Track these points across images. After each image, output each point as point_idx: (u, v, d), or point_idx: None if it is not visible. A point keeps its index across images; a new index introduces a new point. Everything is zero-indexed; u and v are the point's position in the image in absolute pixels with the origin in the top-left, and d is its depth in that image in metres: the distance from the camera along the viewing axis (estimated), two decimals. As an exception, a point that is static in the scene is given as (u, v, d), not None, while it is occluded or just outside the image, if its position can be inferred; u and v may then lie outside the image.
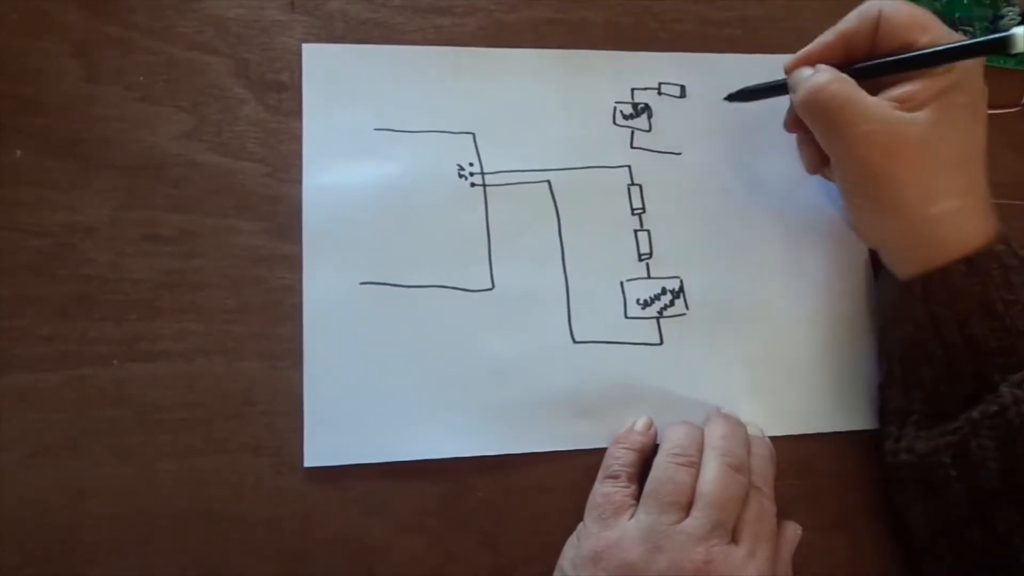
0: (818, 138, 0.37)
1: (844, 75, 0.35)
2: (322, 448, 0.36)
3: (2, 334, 0.35)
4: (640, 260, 0.41)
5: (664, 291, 0.40)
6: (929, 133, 0.34)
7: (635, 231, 0.41)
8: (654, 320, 0.40)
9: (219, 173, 0.38)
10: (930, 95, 0.34)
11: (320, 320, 0.37)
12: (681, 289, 0.40)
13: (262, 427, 0.36)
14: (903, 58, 0.35)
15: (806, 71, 0.36)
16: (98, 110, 0.38)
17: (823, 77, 0.35)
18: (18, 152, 0.37)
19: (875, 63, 0.36)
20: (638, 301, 0.40)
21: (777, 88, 0.39)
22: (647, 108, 0.43)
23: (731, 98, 0.42)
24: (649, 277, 0.40)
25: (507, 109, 0.41)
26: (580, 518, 0.36)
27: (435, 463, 0.36)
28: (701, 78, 0.43)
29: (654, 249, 0.41)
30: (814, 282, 0.42)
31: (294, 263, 0.38)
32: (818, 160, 0.39)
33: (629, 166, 0.42)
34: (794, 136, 0.41)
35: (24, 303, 0.36)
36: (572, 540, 0.35)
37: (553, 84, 0.42)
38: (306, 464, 0.36)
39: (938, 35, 0.35)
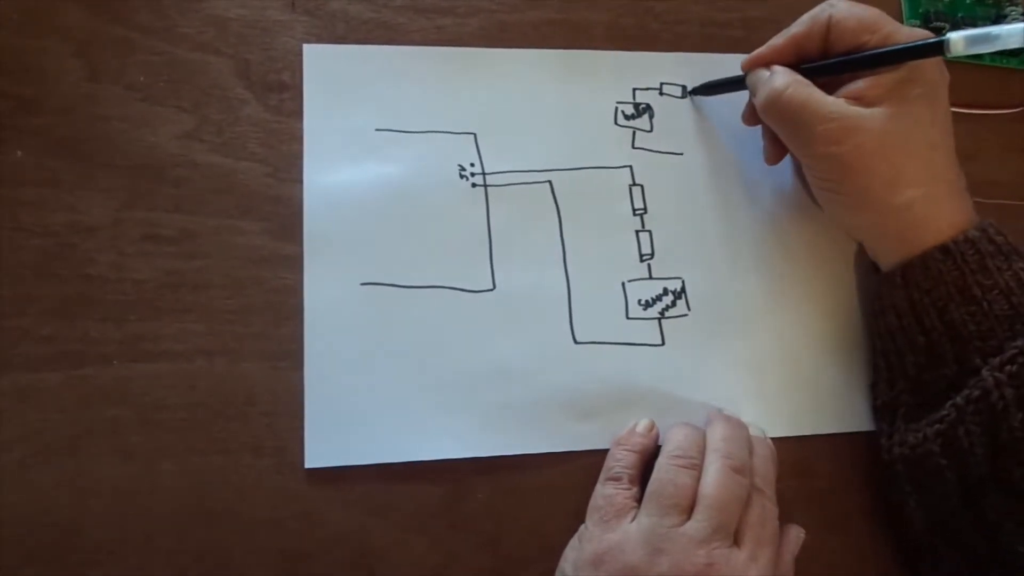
0: (782, 138, 0.38)
1: (799, 77, 0.37)
2: (323, 449, 0.36)
3: (3, 334, 0.35)
4: (642, 261, 0.41)
5: (666, 292, 0.40)
6: (886, 125, 0.35)
7: (636, 231, 0.41)
8: (656, 321, 0.40)
9: (220, 173, 0.38)
10: (884, 90, 0.35)
11: (321, 320, 0.37)
12: (683, 290, 0.40)
13: (263, 428, 0.36)
14: (847, 60, 0.37)
15: (763, 72, 0.38)
16: (100, 110, 0.38)
17: (780, 81, 0.37)
18: (19, 152, 0.37)
19: (822, 64, 0.38)
20: (640, 302, 0.40)
21: (737, 83, 0.40)
22: (649, 108, 0.43)
23: (694, 91, 0.43)
24: (651, 278, 0.40)
25: (508, 109, 0.41)
26: (581, 520, 0.36)
27: (436, 464, 0.36)
28: (703, 78, 0.43)
29: (655, 250, 0.41)
30: (816, 284, 0.41)
31: (295, 263, 0.38)
32: (778, 151, 0.41)
33: (631, 166, 0.42)
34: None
35: (25, 303, 0.36)
36: (573, 542, 0.35)
37: (555, 84, 0.42)
38: (307, 465, 0.36)
39: (887, 34, 0.36)
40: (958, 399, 0.34)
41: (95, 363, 0.36)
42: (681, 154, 0.42)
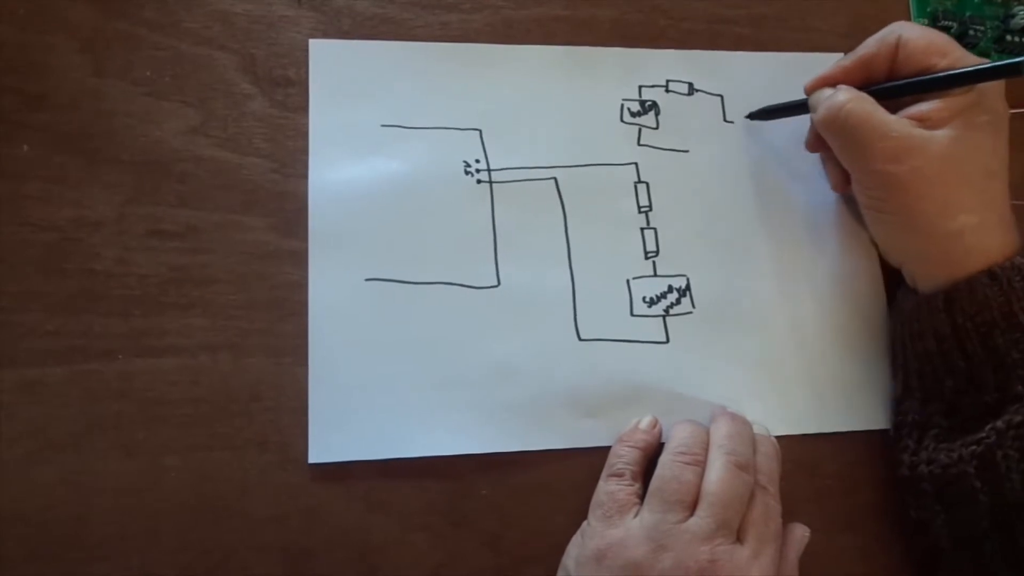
0: (838, 154, 0.38)
1: (863, 94, 0.36)
2: (327, 445, 0.36)
3: (8, 329, 0.35)
4: (647, 258, 0.40)
5: (671, 289, 0.40)
6: (948, 150, 0.35)
7: (642, 229, 0.41)
8: (660, 318, 0.40)
9: (225, 169, 0.38)
10: (950, 114, 0.35)
11: (325, 316, 0.37)
12: (688, 287, 0.40)
13: (267, 423, 0.36)
14: (920, 80, 0.36)
15: (826, 91, 0.38)
16: (105, 105, 0.38)
17: (842, 96, 0.36)
18: (25, 147, 0.37)
19: (893, 84, 0.37)
20: (644, 299, 0.40)
21: (797, 107, 0.40)
22: (655, 105, 0.43)
23: (752, 116, 0.42)
24: (655, 275, 0.40)
25: (514, 106, 0.41)
26: (584, 517, 0.36)
27: (439, 460, 0.36)
28: (709, 76, 0.43)
29: (661, 247, 0.41)
30: (822, 281, 0.41)
31: (300, 259, 0.38)
32: (842, 178, 0.40)
33: (636, 163, 0.42)
34: (802, 134, 0.41)
35: (30, 298, 0.36)
36: (576, 539, 0.35)
37: (560, 81, 0.42)
38: (311, 460, 0.36)
39: (957, 58, 0.36)
40: (998, 423, 0.34)
41: (99, 358, 0.36)
42: (687, 151, 0.42)
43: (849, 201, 0.41)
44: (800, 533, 0.36)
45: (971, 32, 0.45)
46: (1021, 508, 0.33)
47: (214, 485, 0.35)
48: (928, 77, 0.36)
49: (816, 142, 0.40)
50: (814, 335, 0.41)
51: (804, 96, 0.40)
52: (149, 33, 0.39)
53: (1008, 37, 0.46)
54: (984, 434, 0.34)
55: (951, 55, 0.36)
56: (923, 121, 0.35)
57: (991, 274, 0.35)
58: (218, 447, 0.35)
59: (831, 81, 0.38)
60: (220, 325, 0.37)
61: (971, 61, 0.35)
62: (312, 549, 0.35)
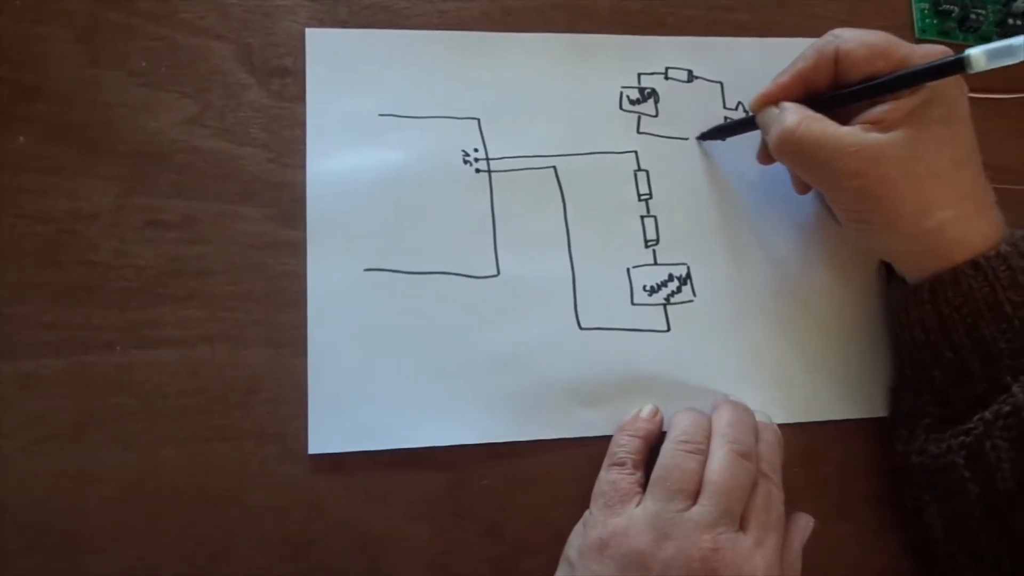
0: (801, 176, 0.38)
1: (810, 112, 0.35)
2: (326, 435, 0.36)
3: (6, 321, 0.35)
4: (647, 246, 0.40)
5: (671, 278, 0.40)
6: (909, 150, 0.34)
7: (642, 217, 0.40)
8: (661, 307, 0.39)
9: (222, 159, 0.38)
10: (903, 114, 0.34)
11: (324, 307, 0.37)
12: (688, 276, 0.40)
13: (266, 414, 0.36)
14: (864, 88, 0.35)
15: (772, 110, 0.37)
16: (101, 96, 0.38)
17: (792, 119, 0.35)
18: (21, 138, 0.37)
19: (838, 94, 0.36)
20: (645, 288, 0.39)
21: (748, 123, 0.39)
22: (654, 93, 0.42)
23: (703, 137, 0.42)
24: (656, 263, 0.40)
25: (512, 94, 0.41)
26: (585, 507, 0.35)
27: (439, 451, 0.36)
28: (708, 63, 0.43)
29: (661, 235, 0.40)
30: (821, 269, 0.41)
31: (298, 249, 0.38)
32: (805, 184, 0.40)
33: (636, 151, 0.41)
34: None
35: (28, 290, 0.36)
36: (578, 528, 0.35)
37: (559, 69, 0.42)
38: (310, 451, 0.35)
39: (901, 58, 0.34)
40: (986, 414, 0.34)
41: (97, 350, 0.36)
42: (687, 139, 0.42)
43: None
44: (804, 522, 0.36)
45: (972, 16, 0.45)
46: (1013, 498, 0.33)
47: (213, 476, 0.35)
48: (872, 84, 0.35)
49: (767, 155, 0.39)
50: (814, 323, 0.40)
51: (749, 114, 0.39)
52: (145, 23, 0.39)
53: (1010, 20, 0.46)
54: (973, 424, 0.34)
55: (894, 55, 0.34)
56: (877, 124, 0.34)
57: (975, 264, 0.34)
58: (217, 438, 0.35)
59: (773, 98, 0.37)
60: (218, 316, 0.37)
61: (917, 58, 0.34)
62: (312, 540, 0.35)
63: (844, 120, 0.35)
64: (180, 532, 0.34)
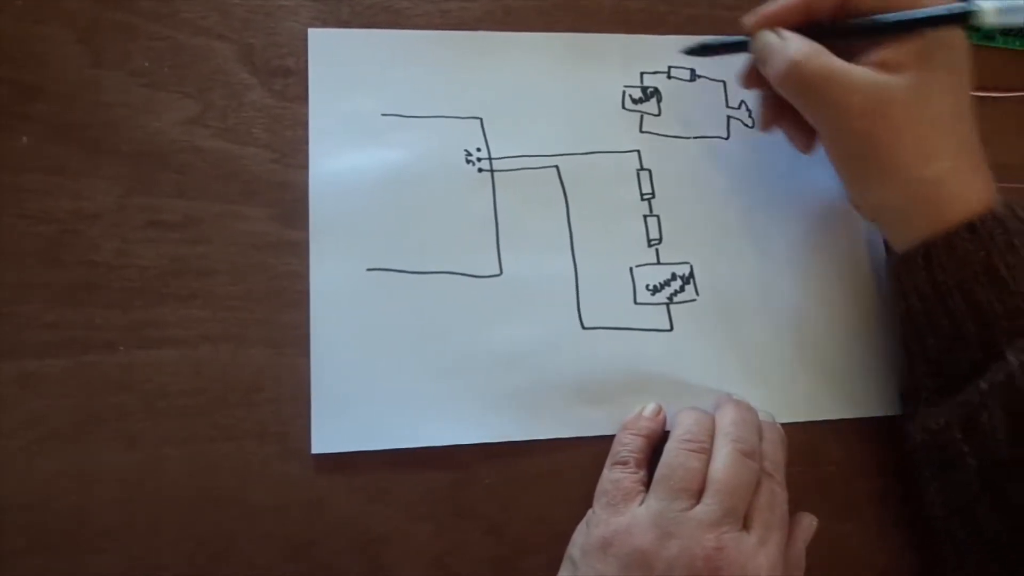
0: (802, 111, 0.36)
1: (816, 45, 0.35)
2: (329, 435, 0.36)
3: (8, 320, 0.35)
4: (650, 245, 0.40)
5: (674, 277, 0.40)
6: (916, 94, 0.33)
7: (644, 216, 0.40)
8: (664, 306, 0.39)
9: (225, 159, 0.38)
10: (909, 56, 0.34)
11: (327, 306, 0.37)
12: (691, 275, 0.40)
13: (269, 414, 0.36)
14: (871, 24, 0.34)
15: (772, 37, 0.36)
16: (103, 96, 0.38)
17: (799, 50, 0.34)
18: (24, 138, 0.37)
19: (838, 27, 0.35)
20: (648, 287, 0.39)
21: (737, 45, 0.38)
22: (656, 92, 0.42)
23: (689, 51, 0.40)
24: (659, 263, 0.40)
25: (515, 94, 0.41)
26: (588, 506, 0.35)
27: (442, 450, 0.36)
28: (711, 62, 0.43)
29: (664, 234, 0.40)
30: (825, 268, 0.41)
31: (300, 249, 0.37)
32: (774, 117, 0.39)
33: (638, 151, 0.41)
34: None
35: (30, 289, 0.36)
36: (581, 527, 0.35)
37: (561, 68, 0.42)
38: (313, 451, 0.35)
39: (909, 2, 0.34)
40: (981, 383, 0.33)
41: (100, 350, 0.35)
42: (689, 138, 0.42)
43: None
44: (808, 522, 0.36)
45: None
46: (1010, 465, 0.33)
47: (215, 476, 0.35)
48: (878, 22, 0.34)
49: (753, 79, 0.38)
50: (818, 322, 0.40)
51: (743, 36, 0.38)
52: (146, 23, 0.39)
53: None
54: (968, 395, 0.34)
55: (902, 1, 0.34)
56: (882, 67, 0.34)
57: (971, 227, 0.33)
58: (219, 438, 0.35)
59: (773, 20, 0.36)
60: (221, 316, 0.37)
61: (926, 3, 0.34)
62: (314, 539, 0.35)
63: (846, 59, 0.34)
64: (182, 532, 0.34)
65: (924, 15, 0.33)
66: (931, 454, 0.35)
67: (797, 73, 0.35)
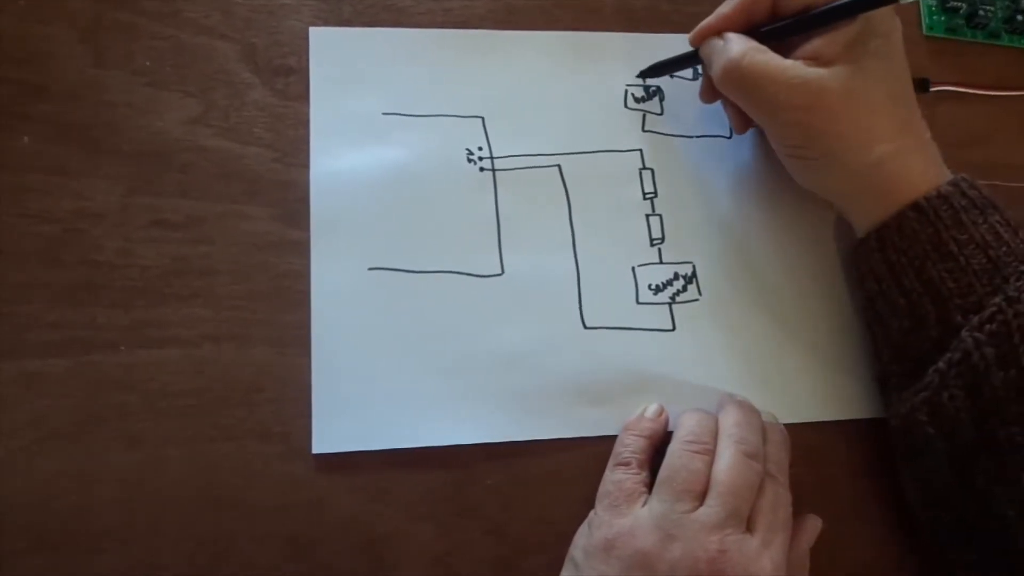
0: (744, 108, 0.37)
1: (755, 44, 0.36)
2: (330, 435, 0.35)
3: (10, 320, 0.35)
4: (652, 245, 0.40)
5: (676, 276, 0.40)
6: (849, 83, 0.34)
7: (647, 216, 0.40)
8: (666, 306, 0.39)
9: (227, 158, 0.38)
10: (840, 47, 0.35)
11: (328, 306, 0.37)
12: (694, 274, 0.40)
13: (270, 414, 0.36)
14: (804, 18, 0.35)
15: (716, 42, 0.37)
16: (106, 96, 0.38)
17: (736, 49, 0.36)
18: (26, 138, 0.37)
19: (779, 26, 0.36)
20: (650, 287, 0.39)
21: (687, 60, 0.39)
22: (659, 91, 0.42)
23: (643, 75, 0.42)
24: (661, 262, 0.40)
25: (517, 93, 0.41)
26: (590, 507, 0.35)
27: (444, 450, 0.36)
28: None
29: (666, 234, 0.40)
30: (827, 268, 0.41)
31: (302, 249, 0.37)
32: (745, 121, 0.40)
33: (640, 150, 0.41)
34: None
35: (32, 289, 0.36)
36: (583, 528, 0.35)
37: (563, 67, 0.42)
38: (314, 451, 0.35)
39: None
40: (940, 364, 0.33)
41: (102, 349, 0.35)
42: (692, 137, 0.42)
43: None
44: (812, 523, 0.36)
45: (981, 12, 0.45)
46: (975, 448, 0.33)
47: (217, 476, 0.35)
48: (811, 14, 0.35)
49: (709, 92, 0.39)
50: (820, 322, 0.40)
51: (691, 48, 0.39)
52: (149, 22, 0.39)
53: (1019, 17, 0.45)
54: (929, 378, 0.34)
55: None
56: (816, 59, 0.35)
57: (916, 207, 0.34)
58: (221, 438, 0.35)
59: (714, 30, 0.37)
60: (222, 316, 0.36)
61: None
62: (316, 539, 0.35)
63: (783, 55, 0.35)
64: (183, 531, 0.34)
65: (853, 0, 0.34)
66: (902, 440, 0.36)
67: (735, 71, 0.36)
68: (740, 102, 0.37)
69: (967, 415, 0.33)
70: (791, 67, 0.35)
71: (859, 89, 0.34)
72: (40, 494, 0.34)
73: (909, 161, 0.35)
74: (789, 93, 0.35)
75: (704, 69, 0.39)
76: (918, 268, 0.34)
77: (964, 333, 0.33)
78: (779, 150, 0.38)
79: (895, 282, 0.35)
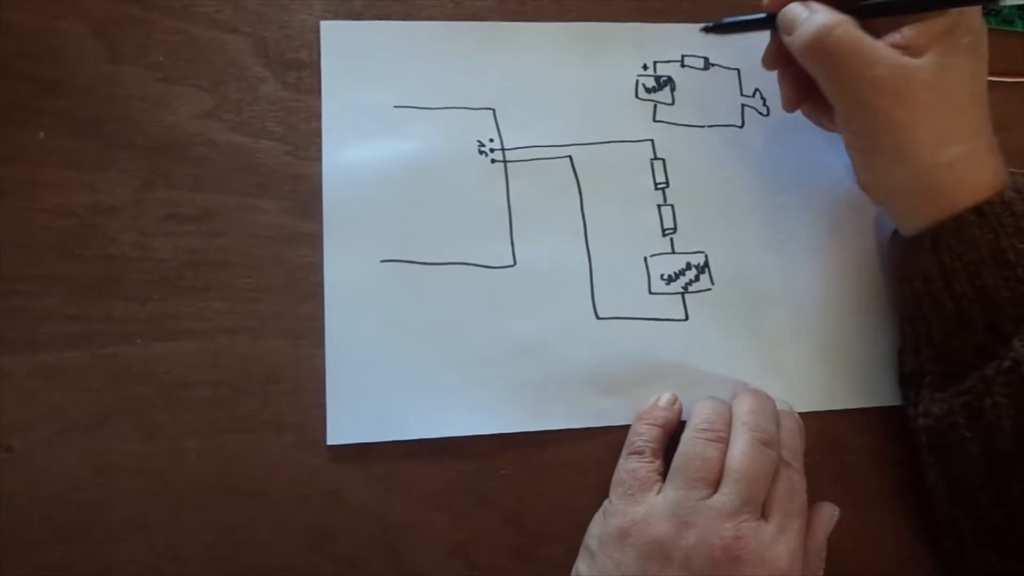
0: (822, 84, 0.35)
1: (847, 17, 0.34)
2: (345, 426, 0.36)
3: (29, 314, 0.36)
4: (664, 235, 0.40)
5: (689, 266, 0.40)
6: (936, 77, 0.33)
7: (659, 206, 0.40)
8: (679, 296, 0.39)
9: (240, 152, 0.38)
10: (932, 38, 0.33)
11: (341, 298, 0.37)
12: (706, 264, 0.40)
13: (285, 405, 0.36)
14: (900, 0, 0.34)
15: (799, 10, 0.35)
16: (120, 91, 0.38)
17: (828, 19, 0.34)
18: (41, 133, 0.37)
19: (871, 4, 0.34)
20: (662, 276, 0.39)
21: (759, 23, 0.37)
22: (670, 81, 0.42)
23: (708, 30, 0.39)
24: (673, 252, 0.40)
25: (527, 84, 0.41)
26: (604, 495, 0.35)
27: (458, 441, 0.36)
28: (725, 50, 0.43)
29: (678, 224, 0.40)
30: (842, 255, 0.41)
31: (315, 241, 0.38)
32: (798, 97, 0.38)
33: (652, 140, 0.41)
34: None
35: (49, 283, 0.36)
36: (598, 517, 0.35)
37: (574, 58, 0.42)
38: (329, 442, 0.35)
39: None
40: (987, 370, 0.33)
41: (119, 342, 0.36)
42: (703, 127, 0.42)
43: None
44: (829, 511, 0.36)
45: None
46: (1013, 456, 0.32)
47: (234, 467, 0.35)
48: None
49: (777, 59, 0.38)
50: (835, 309, 0.40)
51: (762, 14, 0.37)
52: (162, 17, 0.39)
53: (1033, 4, 0.45)
54: (973, 382, 0.33)
55: None
56: (905, 48, 0.33)
57: (978, 211, 0.33)
58: (238, 429, 0.36)
59: None
60: (237, 308, 0.37)
61: None
62: (333, 529, 0.35)
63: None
64: (201, 522, 0.35)
65: None
66: (934, 440, 0.35)
67: (824, 41, 0.33)
68: (821, 76, 0.35)
69: (1009, 423, 0.32)
70: (884, 48, 0.33)
71: (947, 84, 0.33)
72: (60, 486, 0.34)
73: (979, 165, 0.34)
74: (877, 72, 0.33)
75: (774, 36, 0.37)
76: (972, 273, 0.33)
77: (1016, 342, 0.32)
78: (848, 136, 0.36)
79: (945, 284, 0.34)
